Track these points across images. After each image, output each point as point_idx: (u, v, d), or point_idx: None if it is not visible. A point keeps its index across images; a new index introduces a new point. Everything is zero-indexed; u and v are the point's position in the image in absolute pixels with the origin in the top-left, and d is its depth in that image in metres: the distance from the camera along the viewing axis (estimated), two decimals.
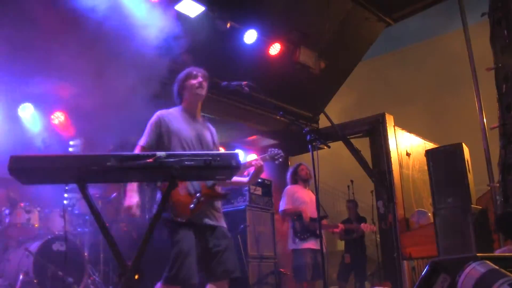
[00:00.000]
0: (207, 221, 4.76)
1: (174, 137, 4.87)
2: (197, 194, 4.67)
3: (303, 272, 7.95)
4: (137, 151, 4.74)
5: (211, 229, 4.78)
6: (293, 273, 8.25)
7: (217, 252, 4.70)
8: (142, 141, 4.84)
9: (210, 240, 4.73)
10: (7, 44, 7.71)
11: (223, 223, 4.94)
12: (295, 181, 8.76)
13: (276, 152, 5.34)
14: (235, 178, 5.12)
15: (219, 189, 4.88)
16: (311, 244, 8.10)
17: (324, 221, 8.47)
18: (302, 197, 8.49)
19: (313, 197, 8.29)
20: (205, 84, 5.15)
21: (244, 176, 5.32)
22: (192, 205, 4.61)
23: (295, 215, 8.31)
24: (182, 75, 5.19)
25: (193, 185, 4.71)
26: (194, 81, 5.09)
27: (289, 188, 8.71)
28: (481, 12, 7.57)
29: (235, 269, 4.74)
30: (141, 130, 5.03)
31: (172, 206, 4.56)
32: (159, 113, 5.00)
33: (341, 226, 8.61)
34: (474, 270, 3.58)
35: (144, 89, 8.07)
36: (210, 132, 5.22)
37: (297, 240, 8.19)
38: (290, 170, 8.94)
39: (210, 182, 4.75)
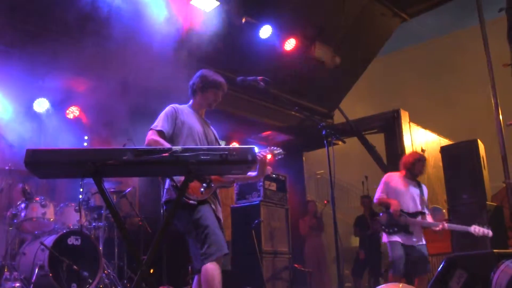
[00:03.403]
0: (213, 206, 4.80)
1: (187, 130, 4.91)
2: (207, 179, 4.72)
3: (396, 266, 7.31)
4: (153, 135, 4.74)
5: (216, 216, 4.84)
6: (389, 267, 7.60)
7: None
8: (159, 126, 4.81)
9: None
10: (23, 39, 7.75)
11: (222, 217, 5.00)
12: (406, 171, 7.72)
13: (277, 149, 5.29)
14: None
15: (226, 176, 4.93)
16: (400, 239, 7.40)
17: (426, 217, 7.54)
18: (398, 187, 7.65)
19: (416, 190, 7.66)
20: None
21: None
22: (202, 189, 4.66)
23: (385, 207, 7.59)
24: (210, 78, 5.17)
25: None
26: (214, 96, 5.17)
27: (388, 175, 7.88)
28: (498, 7, 7.53)
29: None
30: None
31: None
32: (174, 105, 5.04)
33: (443, 225, 7.28)
34: (508, 267, 3.62)
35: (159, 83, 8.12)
36: (212, 131, 5.29)
37: (383, 233, 7.61)
38: (413, 157, 7.83)
39: None
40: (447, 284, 3.95)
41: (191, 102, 5.23)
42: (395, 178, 7.68)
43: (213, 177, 4.75)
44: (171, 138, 4.81)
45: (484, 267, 3.81)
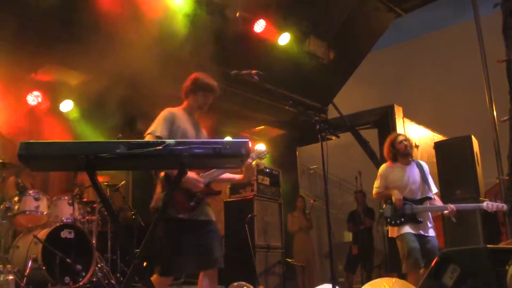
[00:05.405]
0: (202, 217, 4.88)
1: (181, 135, 4.92)
2: (196, 193, 4.77)
3: (412, 257, 6.64)
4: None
5: (204, 224, 4.89)
6: (402, 263, 6.86)
7: (207, 244, 4.81)
8: (158, 132, 4.81)
9: (203, 234, 4.84)
10: (17, 33, 7.71)
11: (213, 217, 5.06)
12: (394, 158, 7.21)
13: (261, 150, 5.31)
14: (228, 175, 5.21)
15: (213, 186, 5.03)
16: (410, 228, 6.78)
17: (434, 201, 6.99)
18: (396, 176, 7.10)
19: (415, 171, 7.10)
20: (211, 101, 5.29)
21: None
22: (192, 203, 4.74)
23: (387, 199, 7.03)
24: (201, 81, 5.15)
25: None
26: (204, 99, 5.17)
27: (383, 168, 7.27)
28: (493, 3, 7.52)
29: (221, 260, 4.86)
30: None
31: (173, 204, 4.67)
32: (169, 109, 5.04)
33: (451, 207, 6.71)
34: None
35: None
36: (204, 133, 5.32)
37: (390, 227, 6.99)
38: (387, 143, 7.35)
39: (206, 180, 4.85)
40: (440, 279, 3.96)
41: (184, 104, 5.22)
42: (393, 170, 7.14)
43: (202, 189, 4.80)
44: None
45: (478, 262, 3.82)
